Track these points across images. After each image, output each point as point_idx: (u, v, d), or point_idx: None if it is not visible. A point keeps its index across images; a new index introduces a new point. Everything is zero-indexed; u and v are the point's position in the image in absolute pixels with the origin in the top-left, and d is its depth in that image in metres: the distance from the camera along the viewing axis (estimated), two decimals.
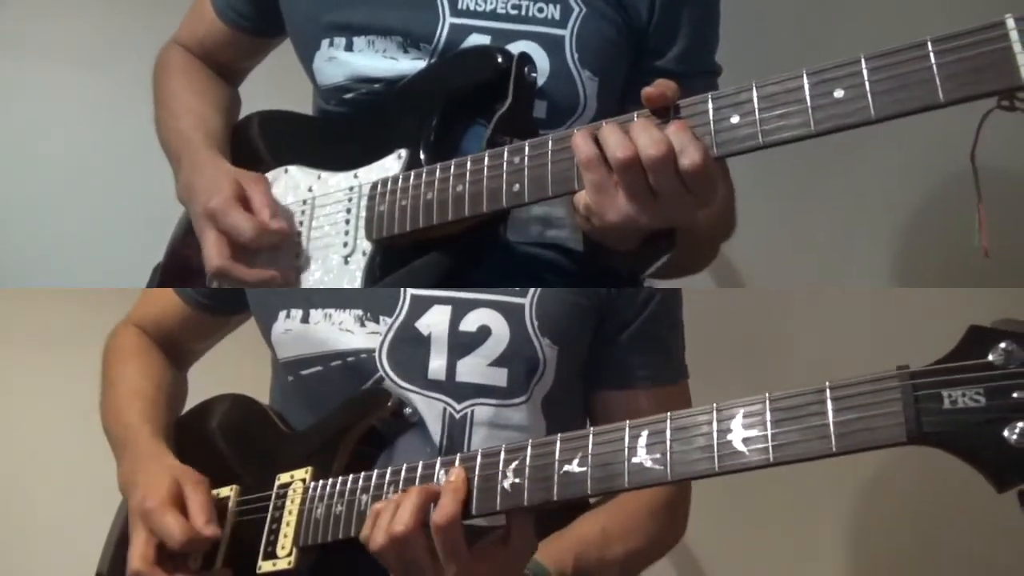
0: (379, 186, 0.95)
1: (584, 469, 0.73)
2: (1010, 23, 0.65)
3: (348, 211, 0.96)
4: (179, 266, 1.12)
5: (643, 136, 0.75)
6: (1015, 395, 0.58)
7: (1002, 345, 0.58)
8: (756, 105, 0.74)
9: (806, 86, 0.72)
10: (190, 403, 1.13)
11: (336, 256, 0.96)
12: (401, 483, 0.82)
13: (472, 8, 1.00)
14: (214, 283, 1.05)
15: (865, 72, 0.70)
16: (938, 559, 1.56)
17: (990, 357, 0.59)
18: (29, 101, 1.77)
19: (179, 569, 0.89)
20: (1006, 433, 0.58)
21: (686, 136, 0.74)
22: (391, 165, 0.96)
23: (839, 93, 0.71)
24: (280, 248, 0.97)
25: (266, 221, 0.94)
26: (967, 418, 0.59)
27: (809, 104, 0.72)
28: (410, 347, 0.94)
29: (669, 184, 0.75)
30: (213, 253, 0.94)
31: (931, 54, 0.68)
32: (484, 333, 0.94)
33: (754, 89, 0.74)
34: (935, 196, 1.72)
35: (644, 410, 0.97)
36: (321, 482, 0.89)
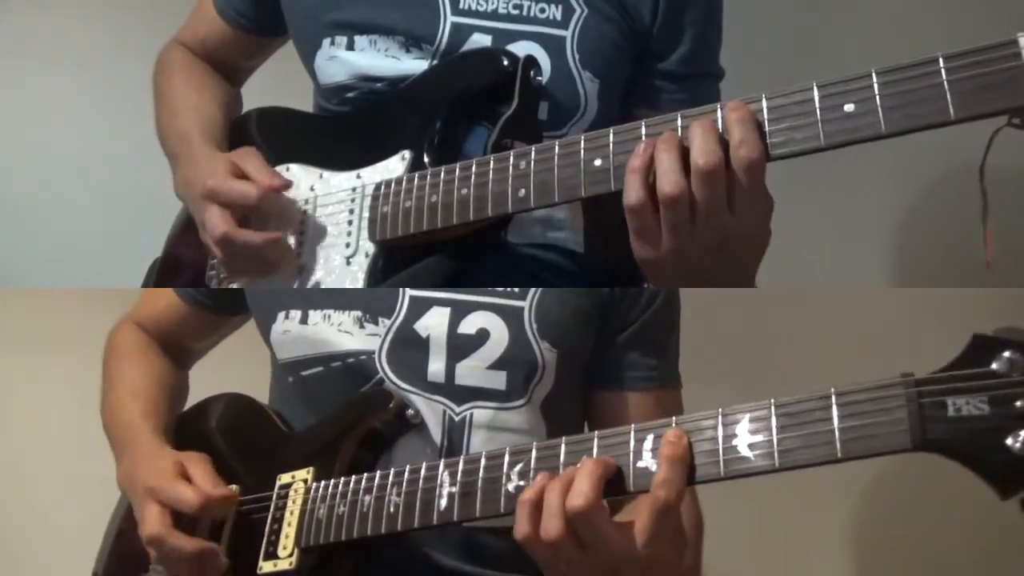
0: (383, 187, 0.95)
1: None
2: (1022, 42, 0.65)
3: (351, 212, 0.96)
4: (176, 264, 1.12)
5: (700, 141, 0.73)
6: (1018, 404, 0.59)
7: (1005, 354, 0.59)
8: (765, 116, 0.73)
9: (816, 99, 0.72)
10: (190, 402, 1.13)
11: (338, 256, 0.96)
12: (404, 484, 0.83)
13: (474, 8, 1.00)
14: (214, 281, 1.05)
15: (876, 87, 0.70)
16: (940, 565, 1.56)
17: (994, 366, 0.59)
18: (30, 101, 1.77)
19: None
20: (1009, 441, 0.58)
21: (748, 128, 0.72)
22: (395, 166, 0.96)
23: (849, 107, 0.70)
24: (282, 219, 0.97)
25: (268, 182, 0.95)
26: (971, 426, 0.60)
27: (819, 117, 0.71)
28: (409, 349, 0.94)
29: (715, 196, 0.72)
30: (217, 222, 0.94)
31: (942, 70, 0.67)
32: (483, 336, 0.94)
33: (763, 101, 0.74)
34: (935, 196, 1.72)
35: (641, 412, 0.98)
36: (323, 483, 0.89)
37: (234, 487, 0.96)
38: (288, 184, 0.98)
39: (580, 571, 0.71)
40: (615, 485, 0.72)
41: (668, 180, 0.73)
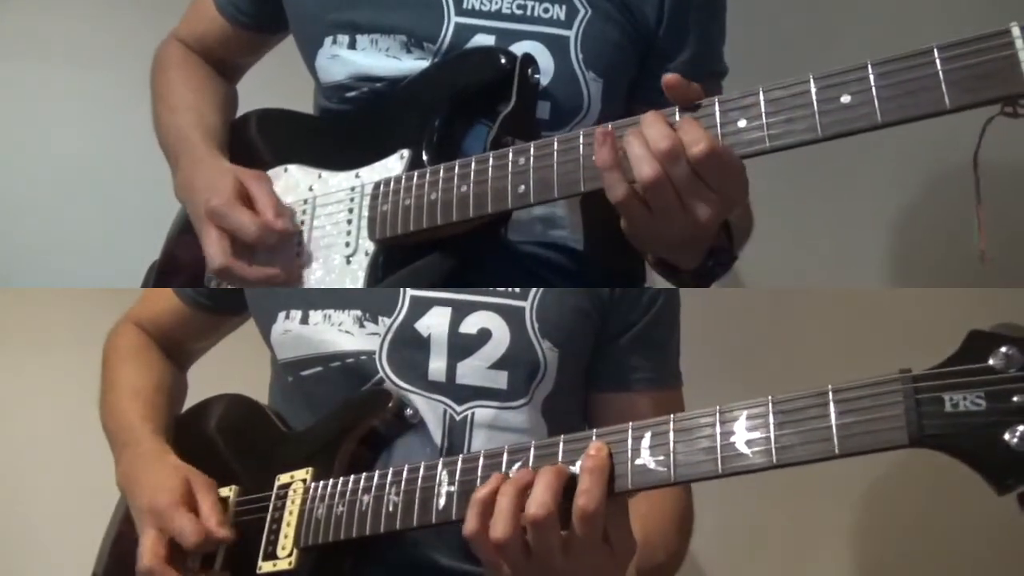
0: (382, 186, 0.95)
1: None
2: (1015, 31, 0.66)
3: (350, 211, 0.96)
4: (175, 265, 1.12)
5: (652, 130, 0.75)
6: (1015, 399, 0.59)
7: (1002, 349, 0.59)
8: (763, 109, 0.74)
9: (813, 91, 0.73)
10: (189, 403, 1.13)
11: (338, 256, 0.96)
12: (403, 484, 0.83)
13: (477, 8, 1.00)
14: (213, 282, 1.05)
15: (872, 78, 0.71)
16: (939, 562, 1.56)
17: (990, 361, 0.60)
18: (29, 101, 1.77)
19: (182, 568, 0.90)
20: (1006, 436, 0.58)
21: (694, 129, 0.75)
22: (393, 165, 0.96)
23: (846, 98, 0.71)
24: (281, 246, 0.96)
25: (270, 220, 0.94)
26: (968, 421, 0.60)
27: (816, 109, 0.72)
28: (410, 348, 0.94)
29: (683, 179, 0.75)
30: (215, 251, 0.94)
31: (937, 60, 0.68)
32: (484, 336, 0.94)
33: (761, 94, 0.75)
34: (934, 195, 1.72)
35: (643, 413, 0.98)
36: (322, 483, 0.89)
37: (232, 488, 0.96)
38: (290, 229, 0.96)
39: (521, 574, 0.73)
40: (569, 493, 0.73)
41: (646, 165, 0.75)
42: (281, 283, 0.96)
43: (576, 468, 0.73)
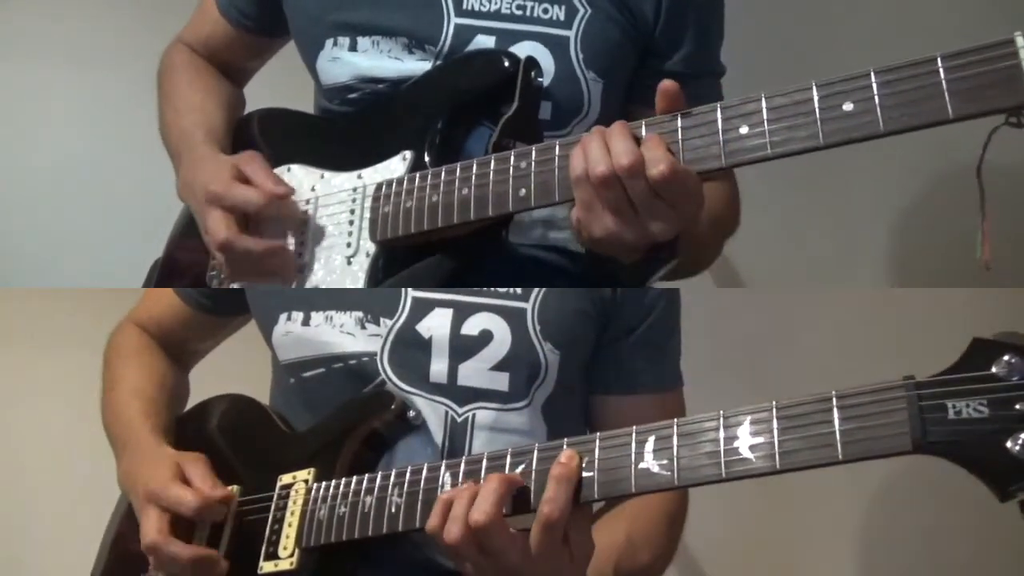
0: (384, 187, 0.95)
1: (591, 474, 0.74)
2: (1019, 41, 0.65)
3: (352, 212, 0.96)
4: (177, 265, 1.12)
5: (618, 144, 0.77)
6: (1018, 406, 0.59)
7: (1005, 357, 0.60)
8: (765, 116, 0.74)
9: (815, 98, 0.72)
10: (191, 403, 1.13)
11: (339, 257, 0.96)
12: (406, 485, 0.83)
13: (477, 8, 1.00)
14: (215, 282, 1.05)
15: (875, 86, 0.70)
16: (940, 566, 1.57)
17: (994, 369, 0.60)
18: (29, 101, 1.77)
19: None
20: (1009, 444, 0.59)
21: (658, 149, 0.76)
22: (396, 167, 0.96)
23: (848, 106, 0.71)
24: (282, 226, 0.97)
25: (272, 188, 0.95)
26: (971, 428, 0.60)
27: (818, 116, 0.72)
28: (411, 350, 0.94)
29: (641, 194, 0.76)
30: (219, 227, 0.95)
31: (940, 70, 0.68)
32: (486, 337, 0.94)
33: (763, 100, 0.75)
34: (935, 195, 1.73)
35: (645, 415, 0.98)
36: (324, 483, 0.90)
37: (234, 487, 0.96)
38: (291, 191, 0.98)
39: (483, 572, 0.76)
40: (520, 501, 0.75)
41: (600, 164, 0.77)
42: (282, 262, 0.96)
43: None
